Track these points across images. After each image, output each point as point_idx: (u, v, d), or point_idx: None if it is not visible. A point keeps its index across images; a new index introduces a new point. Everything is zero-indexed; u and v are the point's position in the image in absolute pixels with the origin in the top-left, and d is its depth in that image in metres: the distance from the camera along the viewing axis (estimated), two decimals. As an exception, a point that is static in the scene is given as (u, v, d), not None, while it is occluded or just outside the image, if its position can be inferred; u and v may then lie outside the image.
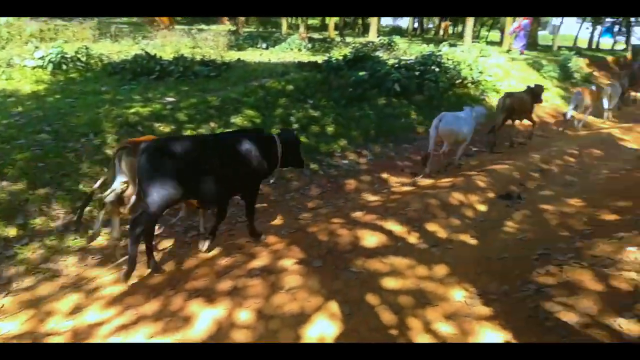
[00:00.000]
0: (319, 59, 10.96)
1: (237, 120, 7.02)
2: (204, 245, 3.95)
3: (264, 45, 14.78)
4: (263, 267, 3.65)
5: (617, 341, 2.57)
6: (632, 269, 3.50)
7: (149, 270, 3.63)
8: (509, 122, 8.45)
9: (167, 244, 4.33)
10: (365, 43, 14.57)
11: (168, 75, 8.62)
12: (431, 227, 4.50)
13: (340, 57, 9.82)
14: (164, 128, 6.28)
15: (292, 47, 14.27)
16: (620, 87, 11.77)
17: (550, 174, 6.80)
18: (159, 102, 7.02)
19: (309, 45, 14.41)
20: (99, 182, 3.87)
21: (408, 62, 9.37)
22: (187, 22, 21.83)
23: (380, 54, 11.51)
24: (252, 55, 12.54)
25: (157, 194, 3.25)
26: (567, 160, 7.62)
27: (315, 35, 20.85)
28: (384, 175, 6.89)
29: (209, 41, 13.42)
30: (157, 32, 14.00)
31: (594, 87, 11.09)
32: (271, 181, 5.40)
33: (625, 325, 2.75)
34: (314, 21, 49.58)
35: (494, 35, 30.22)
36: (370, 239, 4.11)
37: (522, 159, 7.23)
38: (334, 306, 3.17)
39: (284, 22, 22.83)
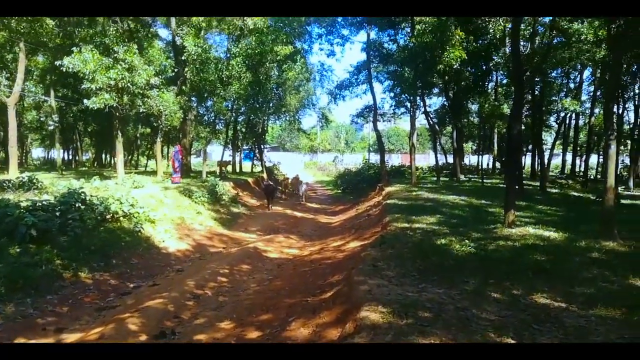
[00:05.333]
0: None
1: None
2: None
3: None
4: None
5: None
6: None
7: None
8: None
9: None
10: (1, 182, 12.55)
11: None
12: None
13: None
14: None
15: None
16: None
17: (204, 299, 7.11)
18: None
19: None
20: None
21: (45, 202, 8.50)
22: None
23: (11, 195, 10.07)
24: None
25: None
26: (220, 280, 8.20)
27: None
28: (19, 341, 5.71)
29: None
30: None
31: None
32: None
33: None
34: None
35: (153, 164, 31.57)
36: None
37: (177, 288, 7.34)
38: None
39: None
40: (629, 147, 27.14)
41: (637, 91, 24.75)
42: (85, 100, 15.51)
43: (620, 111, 24.22)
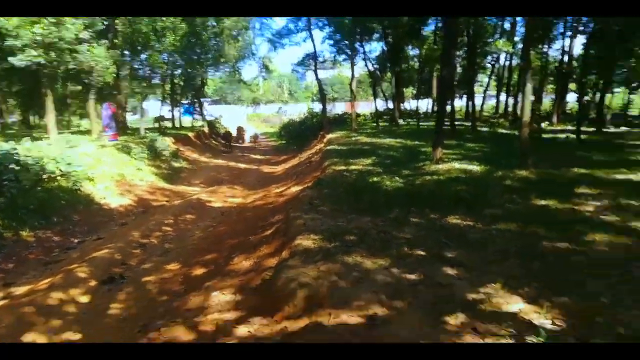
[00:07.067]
0: None
1: None
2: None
3: None
4: None
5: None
6: (215, 310, 4.28)
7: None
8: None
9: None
10: None
11: None
12: (25, 338, 4.13)
13: None
14: None
15: None
16: None
17: (150, 247, 7.38)
18: None
19: None
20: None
21: (-25, 165, 8.27)
22: None
23: None
24: None
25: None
26: (165, 230, 8.45)
27: None
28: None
29: None
30: None
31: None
32: None
33: None
34: None
35: (86, 123, 30.10)
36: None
37: (122, 239, 7.54)
38: None
39: None
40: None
41: (562, 31, 25.94)
42: (9, 58, 14.52)
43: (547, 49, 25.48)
